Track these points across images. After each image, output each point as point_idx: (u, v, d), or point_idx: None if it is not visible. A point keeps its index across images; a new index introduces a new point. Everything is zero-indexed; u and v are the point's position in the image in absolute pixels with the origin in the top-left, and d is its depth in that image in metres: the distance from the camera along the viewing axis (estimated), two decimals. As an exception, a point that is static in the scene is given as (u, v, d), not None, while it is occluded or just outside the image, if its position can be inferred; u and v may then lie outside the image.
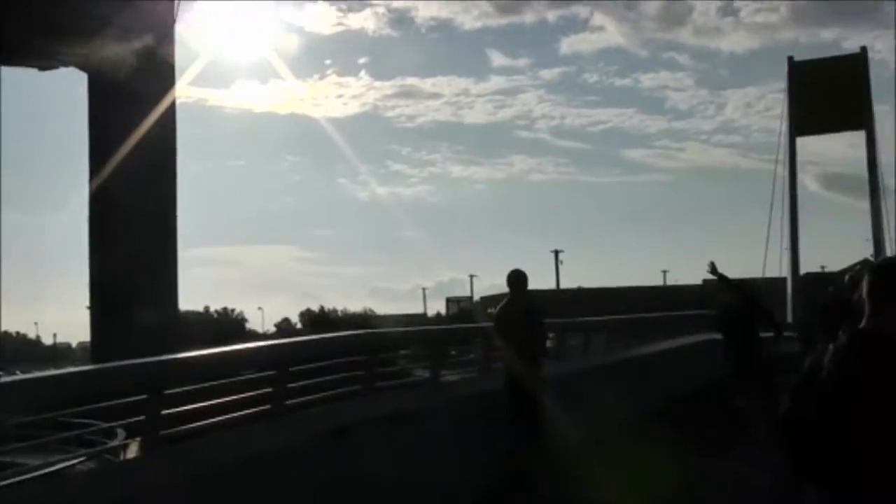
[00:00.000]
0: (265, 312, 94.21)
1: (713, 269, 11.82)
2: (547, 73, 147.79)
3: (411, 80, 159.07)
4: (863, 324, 3.11)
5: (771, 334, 12.62)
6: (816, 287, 47.32)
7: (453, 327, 18.88)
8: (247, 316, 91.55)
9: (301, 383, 6.91)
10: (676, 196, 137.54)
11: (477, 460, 8.55)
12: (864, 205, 50.06)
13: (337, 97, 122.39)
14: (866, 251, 57.80)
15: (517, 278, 9.63)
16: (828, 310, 14.52)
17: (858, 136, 55.14)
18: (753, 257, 58.78)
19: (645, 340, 17.52)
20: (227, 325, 77.12)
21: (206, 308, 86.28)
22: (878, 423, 2.92)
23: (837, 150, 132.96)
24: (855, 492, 2.96)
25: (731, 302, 12.59)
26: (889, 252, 46.61)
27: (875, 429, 2.93)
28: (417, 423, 7.84)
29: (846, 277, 16.24)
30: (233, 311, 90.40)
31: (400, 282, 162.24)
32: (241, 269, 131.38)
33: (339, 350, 7.85)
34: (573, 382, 11.50)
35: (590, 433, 10.10)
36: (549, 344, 10.48)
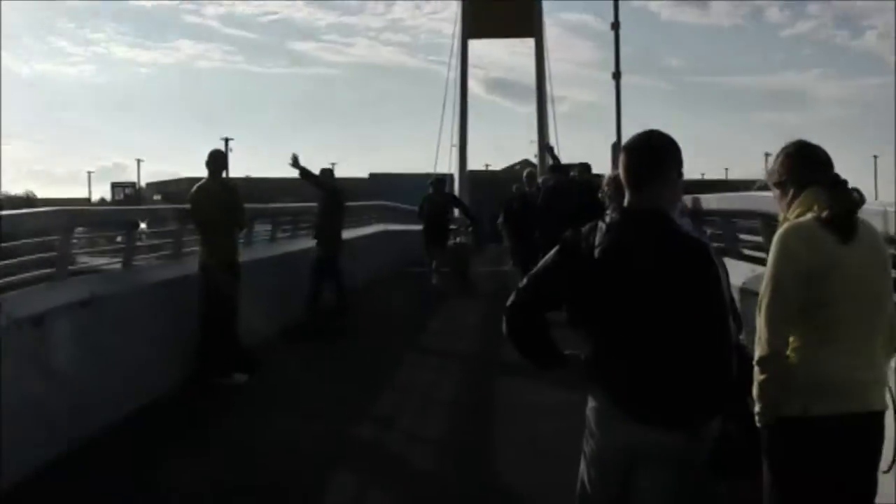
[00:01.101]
0: None
1: (295, 161, 11.65)
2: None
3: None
4: (626, 202, 3.16)
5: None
6: (481, 185, 49.91)
7: (151, 207, 17.90)
8: None
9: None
10: (346, 91, 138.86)
11: (167, 345, 8.35)
12: (526, 109, 53.41)
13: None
14: (529, 153, 61.59)
15: (217, 158, 9.20)
16: (511, 204, 15.86)
17: (520, 43, 58.16)
18: (426, 154, 60.78)
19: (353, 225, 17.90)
20: None
21: None
22: (656, 292, 3.00)
23: (499, 55, 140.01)
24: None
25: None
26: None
27: (652, 299, 3.01)
28: (109, 309, 7.40)
29: (526, 172, 17.42)
30: None
31: (60, 165, 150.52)
32: None
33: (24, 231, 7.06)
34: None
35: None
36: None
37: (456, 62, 53.05)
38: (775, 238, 3.20)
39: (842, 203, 3.11)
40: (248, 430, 7.33)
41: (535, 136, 54.22)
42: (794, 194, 3.25)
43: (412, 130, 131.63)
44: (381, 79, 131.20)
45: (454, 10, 54.24)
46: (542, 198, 13.06)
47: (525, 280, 3.27)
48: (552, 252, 3.24)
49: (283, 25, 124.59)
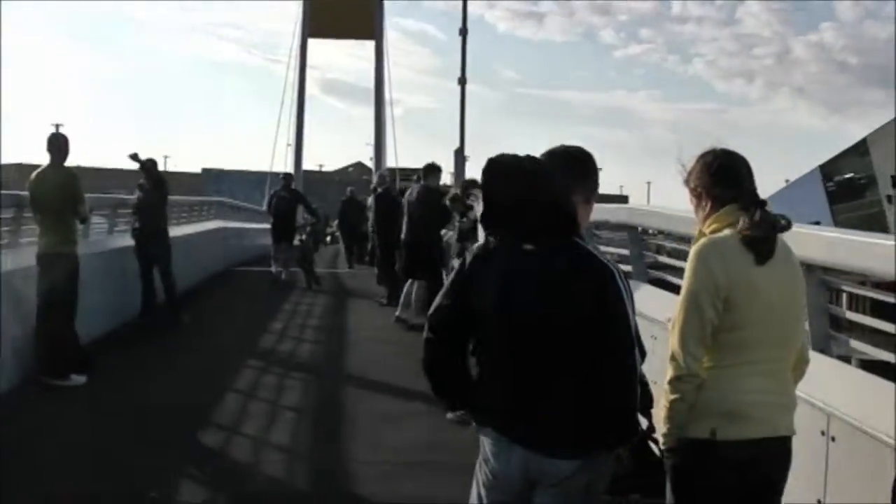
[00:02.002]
0: None
1: (134, 157, 11.41)
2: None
3: None
4: None
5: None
6: (314, 186, 49.34)
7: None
8: None
9: None
10: (181, 85, 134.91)
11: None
12: (361, 111, 53.27)
13: None
14: (363, 155, 61.38)
15: (58, 143, 8.58)
16: (344, 208, 15.84)
17: (359, 46, 58.19)
18: (262, 152, 59.77)
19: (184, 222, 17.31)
20: None
21: None
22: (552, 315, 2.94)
23: (337, 57, 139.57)
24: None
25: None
26: (391, 158, 49.87)
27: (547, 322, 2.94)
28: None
29: (382, 175, 17.26)
30: None
31: None
32: None
33: None
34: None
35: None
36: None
37: (295, 62, 52.43)
38: (692, 253, 3.10)
39: (764, 227, 3.02)
40: (82, 438, 6.75)
41: (370, 138, 54.25)
42: (711, 208, 3.15)
43: (248, 128, 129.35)
44: (217, 74, 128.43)
45: (294, 9, 53.58)
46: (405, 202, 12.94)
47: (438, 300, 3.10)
48: (458, 267, 3.12)
49: (120, 19, 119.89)
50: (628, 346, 2.87)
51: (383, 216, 14.35)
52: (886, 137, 51.40)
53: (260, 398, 8.52)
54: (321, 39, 56.41)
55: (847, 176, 57.01)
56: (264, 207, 17.79)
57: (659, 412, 3.10)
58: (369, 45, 55.31)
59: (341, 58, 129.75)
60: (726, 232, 3.05)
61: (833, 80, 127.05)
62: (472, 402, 3.08)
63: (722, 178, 3.14)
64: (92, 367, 8.52)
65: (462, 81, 25.62)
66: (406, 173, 31.61)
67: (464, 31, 25.66)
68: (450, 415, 5.88)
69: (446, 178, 23.66)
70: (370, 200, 17.47)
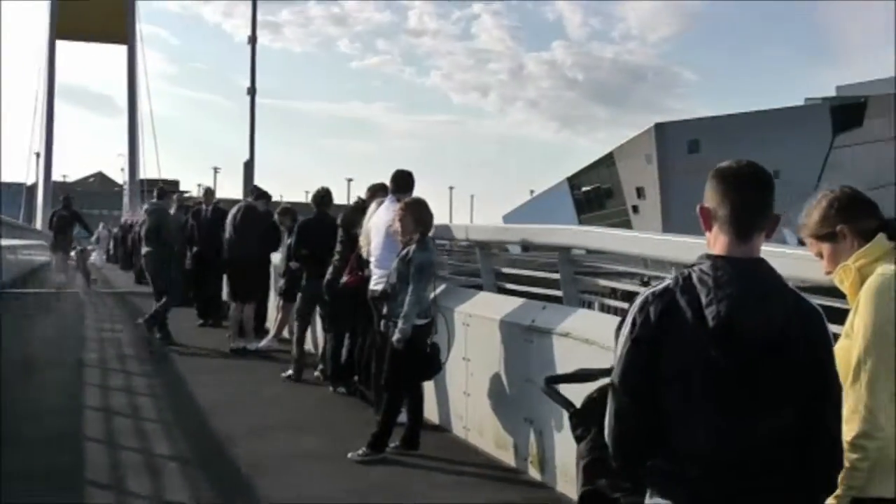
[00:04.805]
0: None
1: None
2: None
3: None
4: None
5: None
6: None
7: None
8: None
9: None
10: None
11: None
12: (106, 120, 50.48)
13: None
14: (116, 165, 58.50)
15: None
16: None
17: (106, 50, 55.54)
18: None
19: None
20: None
21: None
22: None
23: (82, 62, 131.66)
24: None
25: None
26: (151, 169, 47.67)
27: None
28: None
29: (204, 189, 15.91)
30: None
31: None
32: None
33: None
34: None
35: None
36: None
37: (42, 65, 49.00)
38: (871, 290, 2.78)
39: None
40: None
41: (120, 148, 51.86)
42: (857, 244, 2.91)
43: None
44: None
45: (41, 11, 50.19)
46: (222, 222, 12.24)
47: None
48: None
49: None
50: None
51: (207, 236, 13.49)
52: (632, 151, 55.39)
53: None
54: (69, 42, 52.99)
55: (594, 187, 60.76)
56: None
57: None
58: (119, 50, 52.58)
59: (89, 63, 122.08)
60: (888, 266, 2.81)
61: (563, 95, 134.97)
62: None
63: (862, 209, 2.96)
64: None
65: (251, 91, 24.83)
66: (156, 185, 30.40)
67: (253, 39, 24.89)
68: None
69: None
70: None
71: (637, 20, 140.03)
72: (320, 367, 9.69)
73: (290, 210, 11.74)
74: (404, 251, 6.70)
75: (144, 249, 12.48)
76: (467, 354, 7.27)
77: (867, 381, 2.67)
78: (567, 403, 3.26)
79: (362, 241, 7.97)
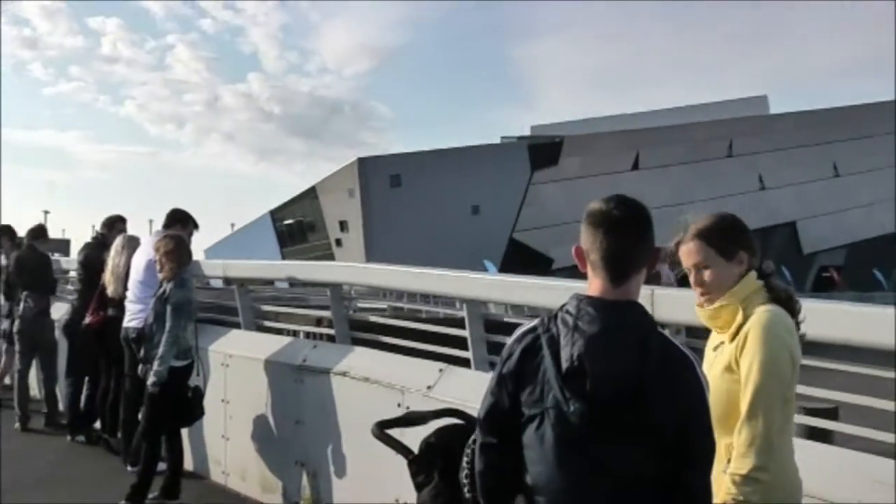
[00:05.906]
0: None
1: None
2: None
3: None
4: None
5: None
6: None
7: None
8: None
9: None
10: None
11: None
12: None
13: None
14: None
15: None
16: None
17: None
18: None
19: None
20: None
21: None
22: None
23: None
24: None
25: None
26: None
27: None
28: None
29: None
30: None
31: None
32: None
33: None
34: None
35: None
36: None
37: None
38: (760, 326, 2.76)
39: (784, 290, 2.87)
40: None
41: None
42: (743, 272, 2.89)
43: None
44: None
45: None
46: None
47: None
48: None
49: None
50: None
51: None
52: (335, 185, 55.81)
53: None
54: None
55: (297, 220, 60.57)
56: None
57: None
58: None
59: None
60: (769, 305, 2.82)
61: (260, 127, 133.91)
62: None
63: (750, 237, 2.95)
64: None
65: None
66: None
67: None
68: None
69: None
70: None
71: (332, 54, 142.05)
72: (44, 411, 8.96)
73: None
74: (161, 289, 6.39)
75: None
76: (226, 396, 7.01)
77: (763, 416, 2.67)
78: (405, 450, 3.10)
79: (108, 277, 7.49)
